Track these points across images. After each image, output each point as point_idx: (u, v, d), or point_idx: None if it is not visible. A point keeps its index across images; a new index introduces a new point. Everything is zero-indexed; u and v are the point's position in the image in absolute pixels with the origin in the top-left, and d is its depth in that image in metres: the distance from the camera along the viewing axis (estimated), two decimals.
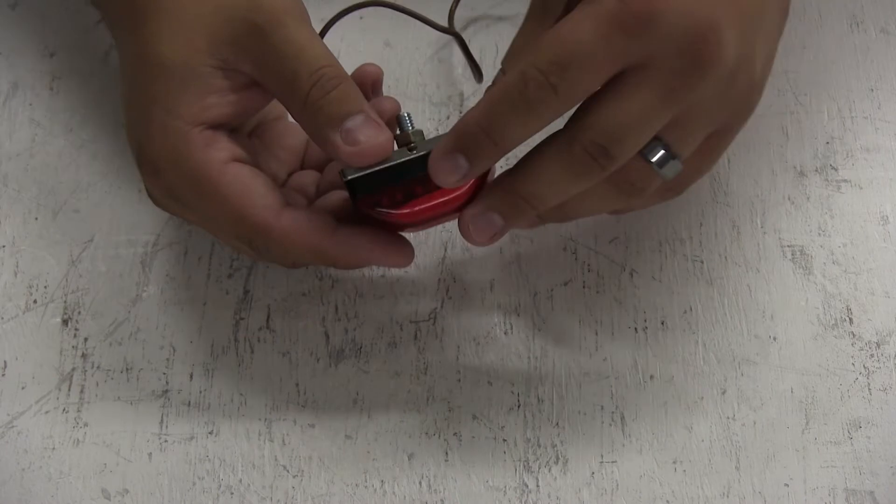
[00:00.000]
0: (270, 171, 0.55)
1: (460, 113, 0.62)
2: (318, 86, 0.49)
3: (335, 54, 0.64)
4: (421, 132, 0.52)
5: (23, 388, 0.57)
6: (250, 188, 0.51)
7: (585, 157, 0.47)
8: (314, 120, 0.50)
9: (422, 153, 0.50)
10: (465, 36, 0.64)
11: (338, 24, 0.65)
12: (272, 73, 0.50)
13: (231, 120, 0.52)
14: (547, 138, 0.48)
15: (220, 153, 0.51)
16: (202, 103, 0.50)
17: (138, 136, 0.51)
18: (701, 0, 0.46)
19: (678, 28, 0.45)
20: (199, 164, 0.50)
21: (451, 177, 0.48)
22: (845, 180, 0.60)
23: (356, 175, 0.50)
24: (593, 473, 0.54)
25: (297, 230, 0.51)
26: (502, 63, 0.54)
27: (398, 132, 0.51)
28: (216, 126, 0.51)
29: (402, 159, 0.50)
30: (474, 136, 0.47)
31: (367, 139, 0.49)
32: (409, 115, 0.52)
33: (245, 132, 0.56)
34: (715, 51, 0.46)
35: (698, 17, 0.46)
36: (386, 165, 0.50)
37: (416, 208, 0.50)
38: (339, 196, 0.55)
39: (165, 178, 0.51)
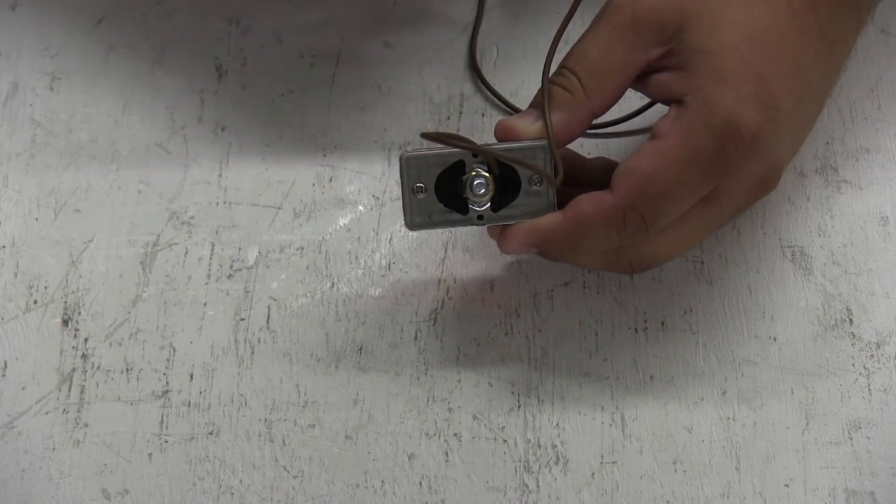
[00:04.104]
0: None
1: (461, 114, 0.62)
2: None
3: (335, 55, 0.65)
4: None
5: (23, 388, 0.56)
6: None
7: (632, 228, 0.50)
8: None
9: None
10: (465, 37, 0.64)
11: (338, 24, 0.65)
12: None
13: None
14: (599, 200, 0.51)
15: None
16: None
17: None
18: (779, 146, 0.51)
19: (755, 174, 0.50)
20: None
21: (517, 254, 0.55)
22: (845, 181, 0.60)
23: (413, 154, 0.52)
24: (594, 474, 0.54)
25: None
26: (566, 66, 0.52)
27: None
28: None
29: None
30: (556, 242, 0.52)
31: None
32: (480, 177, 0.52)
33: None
34: (771, 185, 0.52)
35: (776, 163, 0.51)
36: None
37: None
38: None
39: None
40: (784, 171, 0.52)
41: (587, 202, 0.51)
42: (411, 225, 0.52)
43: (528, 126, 0.51)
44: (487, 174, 0.51)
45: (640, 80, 0.52)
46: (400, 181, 0.52)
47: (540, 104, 0.52)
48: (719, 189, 0.50)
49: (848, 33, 0.54)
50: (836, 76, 0.55)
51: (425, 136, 0.49)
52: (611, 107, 0.52)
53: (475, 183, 0.51)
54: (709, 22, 0.50)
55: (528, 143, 0.51)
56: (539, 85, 0.52)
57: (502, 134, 0.52)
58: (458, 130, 0.62)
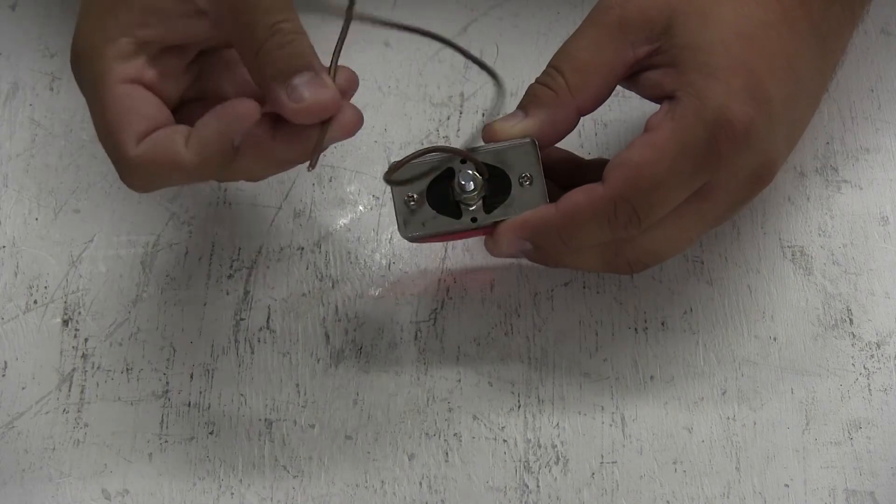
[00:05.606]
0: (221, 91, 0.54)
1: (460, 114, 0.62)
2: (272, 39, 0.48)
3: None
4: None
5: (23, 388, 0.57)
6: (127, 112, 0.49)
7: (624, 220, 0.50)
8: (263, 71, 0.49)
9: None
10: (466, 37, 0.64)
11: (337, 24, 0.65)
12: (229, 15, 0.49)
13: (168, 41, 0.51)
14: (591, 191, 0.50)
15: (126, 69, 0.50)
16: (143, 17, 0.50)
17: (79, 19, 0.51)
18: (772, 140, 0.50)
19: (748, 167, 0.50)
20: (100, 71, 0.50)
21: (511, 254, 0.53)
22: (845, 181, 0.60)
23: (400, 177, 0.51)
24: (593, 474, 0.54)
25: (147, 159, 0.50)
26: (552, 65, 0.52)
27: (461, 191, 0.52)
28: (147, 43, 0.50)
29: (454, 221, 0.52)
30: (548, 235, 0.51)
31: (311, 96, 0.48)
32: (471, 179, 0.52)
33: (194, 52, 0.54)
34: (766, 180, 0.51)
35: (770, 157, 0.51)
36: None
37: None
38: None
39: (76, 66, 0.51)
40: (781, 167, 0.52)
41: (579, 193, 0.51)
42: (406, 235, 0.52)
43: (511, 127, 0.52)
44: (477, 175, 0.52)
45: (630, 79, 0.52)
46: (391, 193, 0.52)
47: (526, 106, 0.52)
48: (713, 183, 0.50)
49: (842, 28, 0.54)
50: (831, 71, 0.55)
51: (394, 172, 0.50)
52: (599, 105, 0.52)
53: (463, 177, 0.51)
54: (697, 19, 0.50)
55: (512, 143, 0.51)
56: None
57: (487, 136, 0.52)
58: (459, 131, 0.62)
